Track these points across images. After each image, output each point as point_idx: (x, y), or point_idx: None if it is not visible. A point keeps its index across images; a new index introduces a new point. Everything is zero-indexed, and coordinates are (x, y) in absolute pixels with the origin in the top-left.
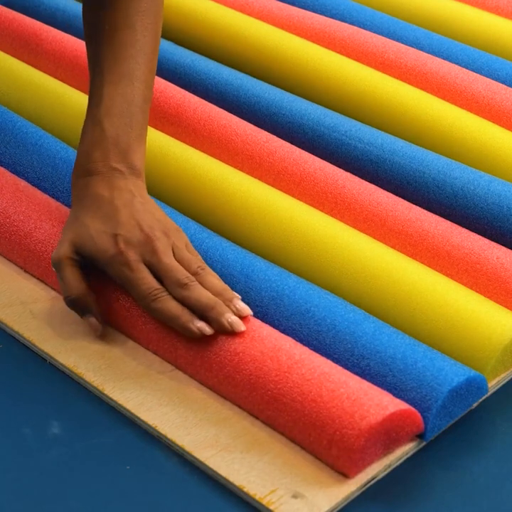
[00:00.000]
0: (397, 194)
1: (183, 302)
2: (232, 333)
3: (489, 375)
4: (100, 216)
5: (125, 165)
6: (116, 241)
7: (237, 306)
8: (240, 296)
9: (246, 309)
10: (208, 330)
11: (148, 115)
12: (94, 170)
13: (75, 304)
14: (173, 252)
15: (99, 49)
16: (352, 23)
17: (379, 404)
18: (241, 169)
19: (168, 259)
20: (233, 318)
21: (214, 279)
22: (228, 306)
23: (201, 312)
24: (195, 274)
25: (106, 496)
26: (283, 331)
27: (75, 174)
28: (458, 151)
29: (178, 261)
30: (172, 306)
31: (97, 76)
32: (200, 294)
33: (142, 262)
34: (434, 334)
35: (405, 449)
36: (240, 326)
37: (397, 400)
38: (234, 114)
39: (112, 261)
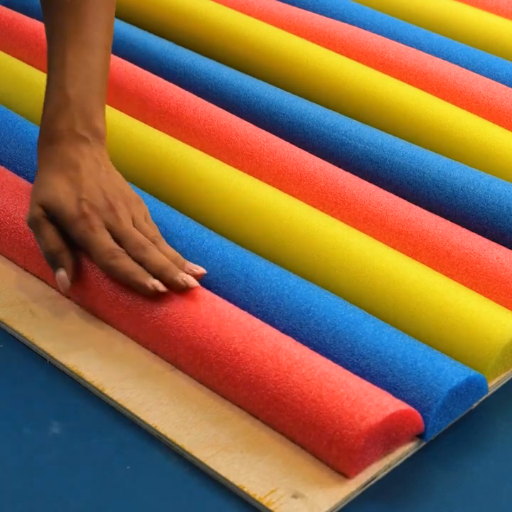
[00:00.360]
0: (397, 194)
1: (140, 263)
2: (186, 290)
3: (489, 375)
4: (66, 180)
5: (90, 132)
6: (81, 205)
7: (190, 267)
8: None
9: (198, 268)
10: (161, 288)
11: (107, 81)
12: (60, 137)
13: (52, 259)
14: (133, 222)
15: (59, 18)
16: (352, 23)
17: (379, 404)
18: (241, 169)
19: (129, 226)
20: (187, 276)
21: (168, 249)
22: (182, 270)
23: (156, 273)
24: (151, 242)
25: (106, 496)
26: (283, 331)
27: (41, 141)
28: (458, 151)
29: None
30: (128, 264)
31: (57, 43)
32: (156, 256)
33: (104, 227)
34: (434, 334)
35: (405, 449)
36: (194, 282)
37: (397, 400)
38: (234, 114)
39: (76, 223)
